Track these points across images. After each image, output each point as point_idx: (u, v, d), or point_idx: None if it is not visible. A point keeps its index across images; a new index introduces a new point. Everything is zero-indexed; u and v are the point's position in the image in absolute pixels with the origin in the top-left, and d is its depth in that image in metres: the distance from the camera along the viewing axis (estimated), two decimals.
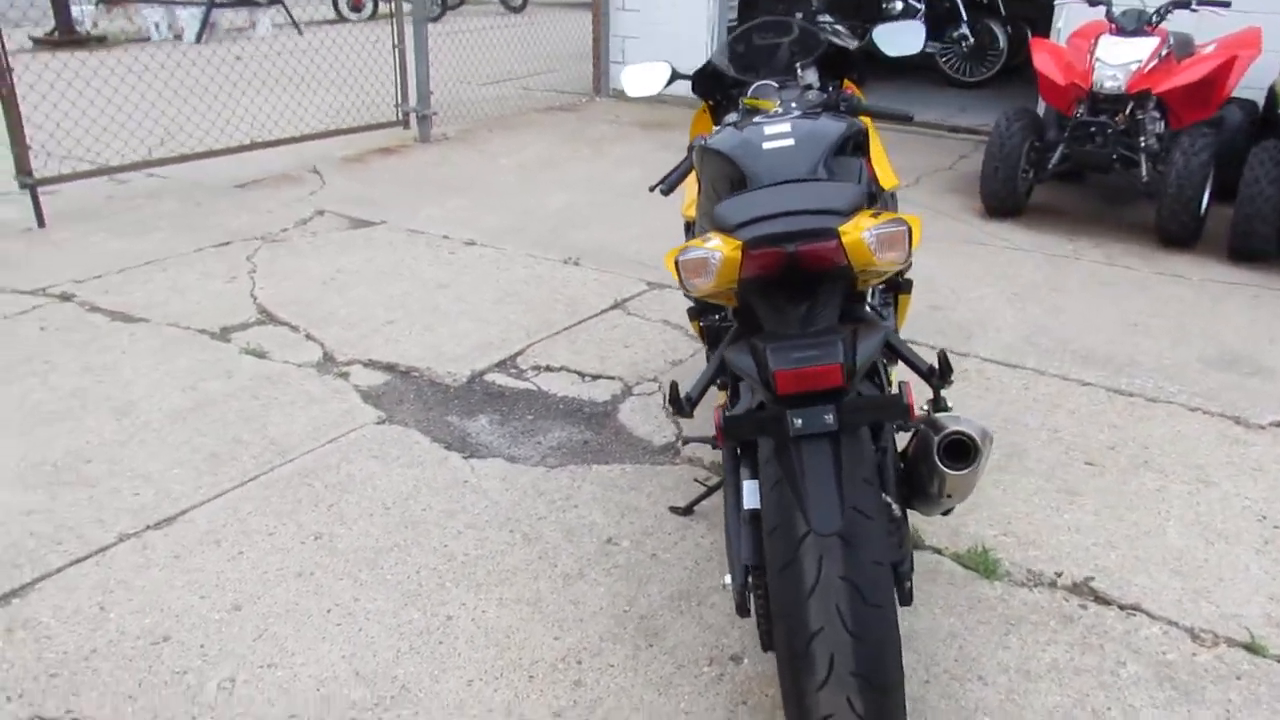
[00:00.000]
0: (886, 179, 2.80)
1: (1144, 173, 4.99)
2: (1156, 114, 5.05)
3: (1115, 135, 4.92)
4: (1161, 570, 2.53)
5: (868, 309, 2.06)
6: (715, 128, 2.50)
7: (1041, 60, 5.07)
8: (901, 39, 2.83)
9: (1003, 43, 8.69)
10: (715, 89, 2.92)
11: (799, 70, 2.81)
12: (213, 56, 10.57)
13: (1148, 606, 2.40)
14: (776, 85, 2.80)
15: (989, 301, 4.28)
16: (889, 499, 1.85)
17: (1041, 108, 5.92)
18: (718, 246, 1.66)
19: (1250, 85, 5.35)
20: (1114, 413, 3.33)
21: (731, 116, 2.65)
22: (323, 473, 2.95)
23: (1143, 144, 4.98)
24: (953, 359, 3.60)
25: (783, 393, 1.46)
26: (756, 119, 2.45)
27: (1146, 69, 4.79)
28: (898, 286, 2.70)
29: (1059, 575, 2.50)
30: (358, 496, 2.83)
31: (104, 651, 2.25)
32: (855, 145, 2.46)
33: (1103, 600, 2.42)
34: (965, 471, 1.70)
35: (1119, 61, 4.80)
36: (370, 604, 2.40)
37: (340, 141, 6.84)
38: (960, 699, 2.10)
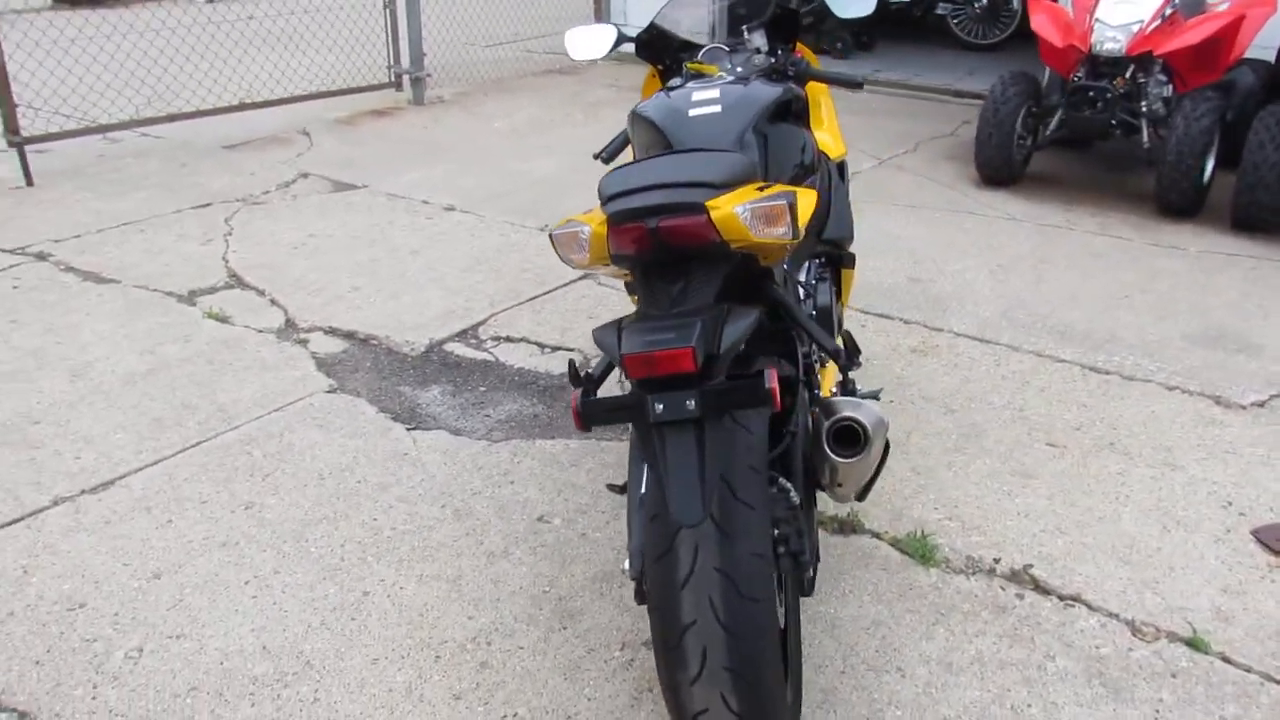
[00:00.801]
0: (834, 147, 2.69)
1: (1145, 139, 4.81)
2: (1163, 77, 4.85)
3: (1115, 100, 4.73)
4: (1109, 559, 2.44)
5: (782, 285, 1.97)
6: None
7: (1039, 22, 4.88)
8: (851, 1, 2.70)
9: (1016, 3, 8.41)
10: (664, 53, 2.81)
11: (745, 33, 2.69)
12: (226, 15, 10.53)
13: (1088, 597, 2.31)
14: (728, 49, 2.69)
15: (971, 274, 4.16)
16: (788, 486, 1.78)
17: (1047, 74, 5.72)
18: (588, 220, 1.59)
19: (1265, 44, 5.13)
20: (1085, 391, 3.22)
21: (674, 82, 2.56)
22: (264, 441, 2.92)
23: (1144, 109, 4.79)
24: (925, 334, 3.51)
25: (632, 377, 1.39)
26: (689, 84, 2.36)
27: (1149, 29, 4.59)
28: (839, 260, 2.60)
29: (997, 562, 2.41)
30: (294, 466, 2.80)
31: (20, 615, 2.24)
32: (794, 112, 2.36)
33: (1041, 589, 2.34)
34: (853, 460, 1.62)
35: (1120, 22, 4.60)
36: (289, 577, 2.37)
37: (334, 103, 6.77)
38: (874, 691, 2.04)
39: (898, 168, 5.66)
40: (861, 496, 2.01)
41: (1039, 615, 2.26)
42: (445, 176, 5.46)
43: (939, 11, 8.98)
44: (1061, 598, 2.31)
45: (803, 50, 2.87)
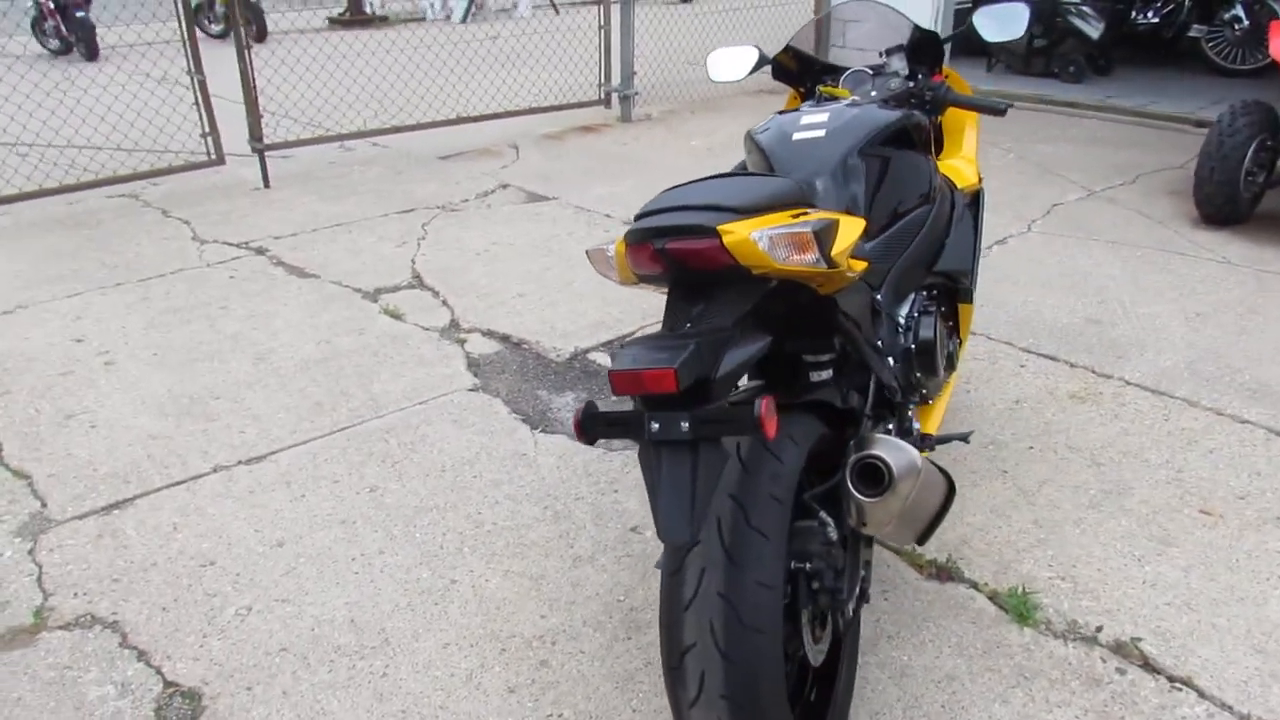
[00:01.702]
0: (964, 176, 2.57)
1: None
2: None
3: None
4: (1240, 644, 2.18)
5: (864, 315, 1.90)
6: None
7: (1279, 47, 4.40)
8: (1002, 23, 2.57)
9: None
10: (805, 76, 2.79)
11: (883, 56, 2.63)
12: (475, 34, 11.31)
13: (1201, 682, 2.07)
14: (871, 73, 2.64)
15: (1162, 319, 3.80)
16: (829, 520, 1.72)
17: None
18: (618, 239, 1.61)
19: None
20: (1264, 458, 2.88)
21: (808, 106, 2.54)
22: (402, 431, 3.13)
23: None
24: (1090, 380, 3.28)
25: (617, 394, 1.40)
26: (804, 107, 2.33)
27: None
28: (955, 295, 2.48)
29: (1099, 631, 2.21)
30: (422, 457, 2.98)
31: (161, 566, 2.53)
32: (913, 138, 2.28)
33: (1149, 667, 2.12)
34: (876, 500, 1.55)
35: None
36: (391, 558, 2.53)
37: (545, 119, 7.12)
38: None
39: (1109, 200, 5.27)
40: (921, 540, 1.91)
41: (1137, 694, 2.05)
42: (632, 191, 5.61)
43: (1193, 34, 8.27)
44: (1170, 679, 2.09)
45: (949, 75, 2.75)
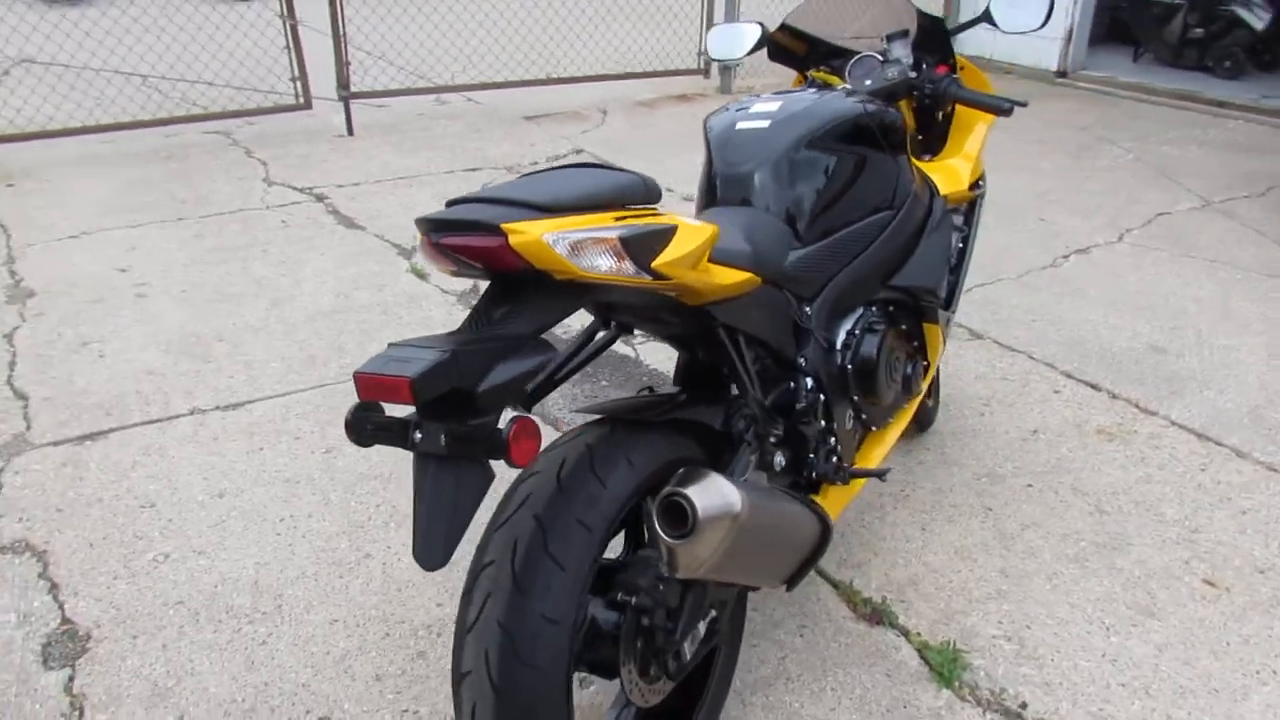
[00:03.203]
0: (953, 182, 2.30)
1: None
2: None
3: None
4: None
5: (745, 331, 1.71)
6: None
7: None
8: (1020, 10, 2.27)
9: None
10: (809, 58, 2.56)
11: (884, 42, 2.38)
12: None
13: None
14: (881, 59, 2.40)
15: (1240, 354, 3.38)
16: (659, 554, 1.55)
17: None
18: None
19: None
20: None
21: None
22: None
23: None
24: (1129, 415, 2.96)
25: (361, 398, 1.27)
26: (758, 95, 2.13)
27: None
28: (920, 313, 2.22)
29: (1024, 708, 1.95)
30: None
31: (106, 503, 2.57)
32: (881, 136, 2.04)
33: None
34: (680, 542, 1.37)
35: None
36: (318, 524, 2.49)
37: (644, 85, 6.95)
38: None
39: (1224, 213, 4.74)
40: (789, 585, 1.72)
41: None
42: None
43: None
44: None
45: (964, 67, 2.48)
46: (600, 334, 1.80)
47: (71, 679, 2.02)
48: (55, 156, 5.48)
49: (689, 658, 1.61)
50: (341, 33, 5.69)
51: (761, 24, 2.57)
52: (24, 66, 7.59)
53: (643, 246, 1.35)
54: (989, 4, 2.36)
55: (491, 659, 1.38)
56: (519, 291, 1.38)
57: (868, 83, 2.32)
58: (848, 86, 2.32)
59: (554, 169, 1.47)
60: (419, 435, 1.29)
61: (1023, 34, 2.31)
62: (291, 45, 5.74)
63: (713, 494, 1.40)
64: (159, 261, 4.07)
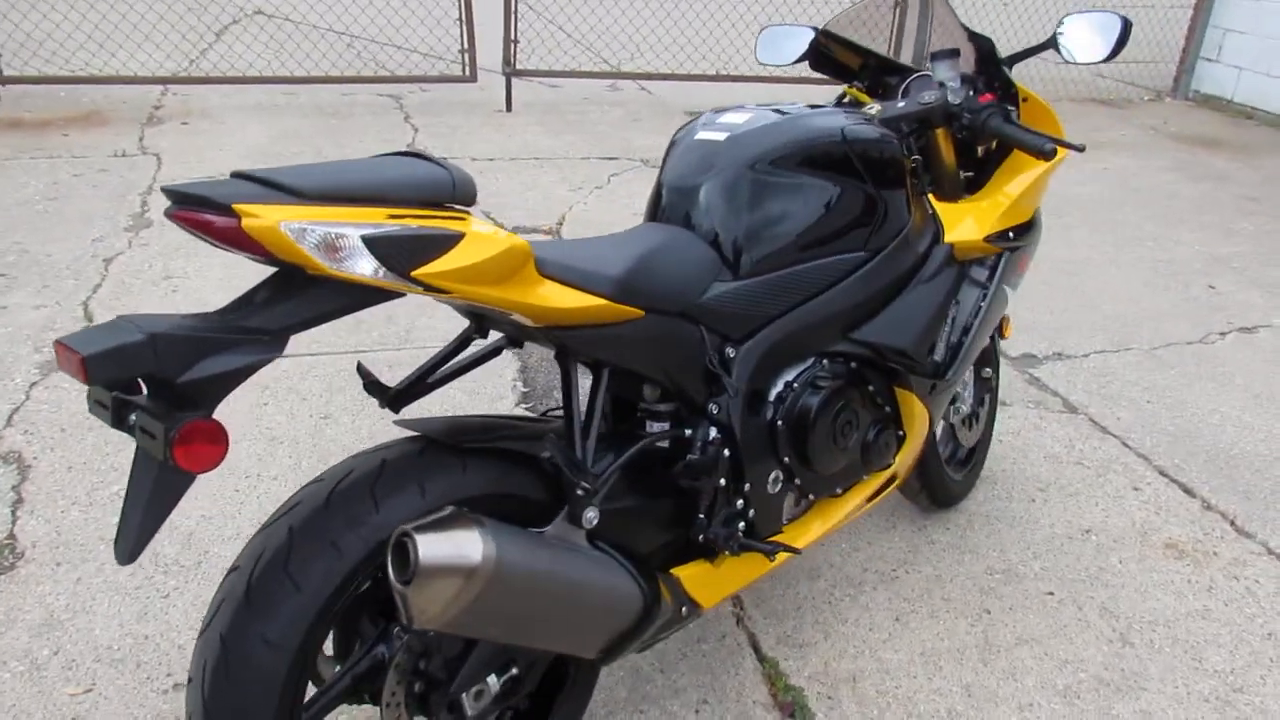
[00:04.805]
0: (978, 226, 1.96)
1: None
2: None
3: None
4: None
5: (608, 363, 1.51)
6: None
7: None
8: (1091, 38, 1.91)
9: None
10: (861, 71, 2.27)
11: (929, 63, 2.07)
12: None
13: None
14: (938, 83, 2.10)
15: None
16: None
17: None
18: None
19: None
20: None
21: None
22: (402, 370, 3.05)
23: None
24: (1217, 532, 2.52)
25: (60, 367, 1.15)
26: (742, 106, 1.90)
27: None
28: (892, 375, 1.89)
29: None
30: None
31: (101, 430, 2.65)
32: (846, 163, 1.76)
33: None
34: (404, 589, 1.20)
35: None
36: (275, 488, 2.47)
37: (816, 90, 6.62)
38: None
39: None
40: (602, 659, 1.50)
41: None
42: None
43: None
44: None
45: (1028, 99, 2.12)
46: (476, 340, 1.64)
47: None
48: (236, 102, 5.85)
49: (472, 714, 1.43)
50: (513, 9, 5.74)
51: (816, 29, 2.31)
52: (257, 19, 8.20)
53: (396, 249, 1.18)
54: (1056, 31, 1.99)
55: (207, 672, 1.27)
56: (289, 284, 1.24)
57: (900, 104, 2.02)
58: (875, 106, 2.03)
59: (372, 158, 1.32)
60: (134, 417, 1.19)
61: (1089, 64, 1.93)
62: (463, 17, 5.85)
63: (445, 542, 1.22)
64: None
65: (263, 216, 1.13)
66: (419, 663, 1.40)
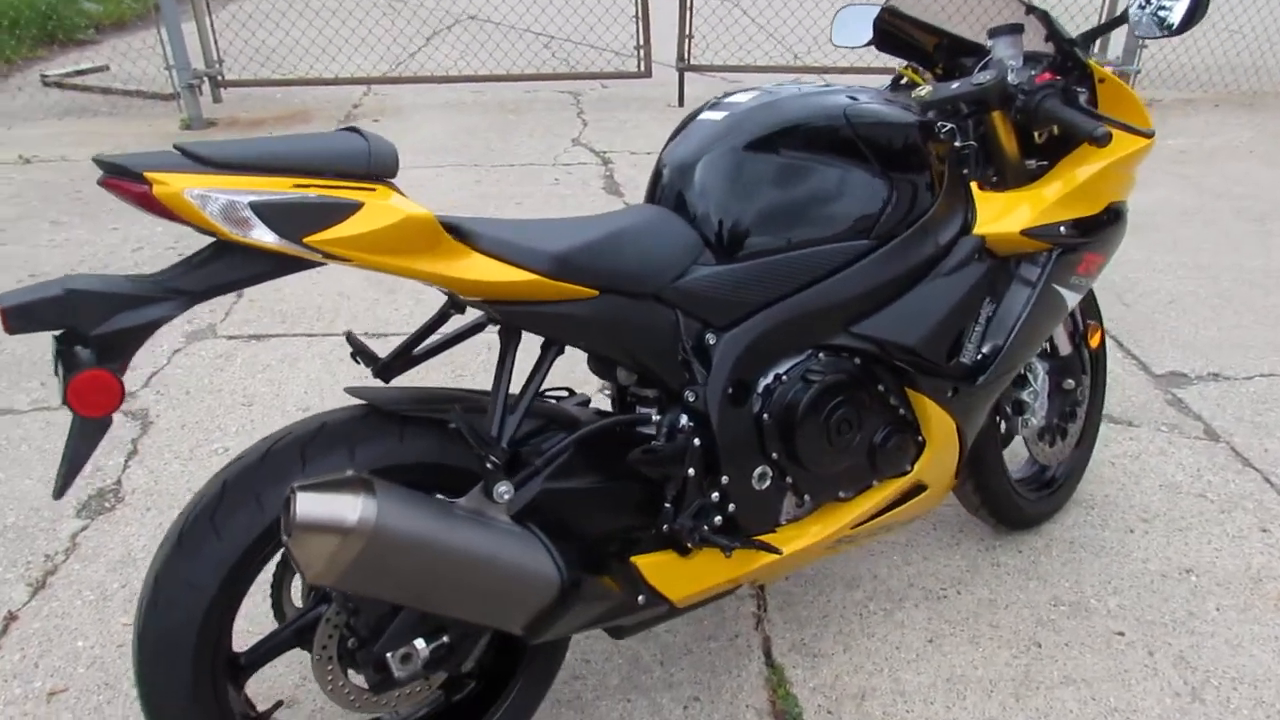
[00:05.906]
0: (1019, 218, 1.78)
1: None
2: None
3: None
4: None
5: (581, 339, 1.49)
6: None
7: None
8: (1157, 11, 1.69)
9: None
10: (936, 52, 2.13)
11: (987, 39, 1.91)
12: None
13: None
14: (1014, 64, 1.95)
15: None
16: None
17: None
18: None
19: None
20: None
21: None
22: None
23: None
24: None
25: None
26: (768, 87, 1.83)
27: None
28: (903, 376, 1.74)
29: None
30: (422, 379, 2.98)
31: (220, 393, 2.89)
32: (851, 146, 1.66)
33: None
34: (287, 540, 1.24)
35: None
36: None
37: None
38: None
39: None
40: (529, 635, 1.48)
41: None
42: None
43: None
44: None
45: (1105, 79, 1.91)
46: (455, 315, 1.67)
47: (85, 529, 2.33)
48: (427, 100, 6.22)
49: (400, 675, 1.46)
50: (688, 5, 5.77)
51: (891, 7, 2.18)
52: (464, 23, 8.68)
53: (285, 216, 1.22)
54: (1129, 4, 1.77)
55: (143, 606, 1.38)
56: (226, 247, 1.31)
57: (954, 86, 1.87)
58: (926, 88, 1.90)
59: (301, 134, 1.37)
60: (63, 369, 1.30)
61: (1159, 38, 1.71)
62: (640, 13, 5.93)
63: (325, 502, 1.25)
64: (424, 200, 4.46)
65: (170, 184, 1.20)
66: (350, 619, 1.44)
